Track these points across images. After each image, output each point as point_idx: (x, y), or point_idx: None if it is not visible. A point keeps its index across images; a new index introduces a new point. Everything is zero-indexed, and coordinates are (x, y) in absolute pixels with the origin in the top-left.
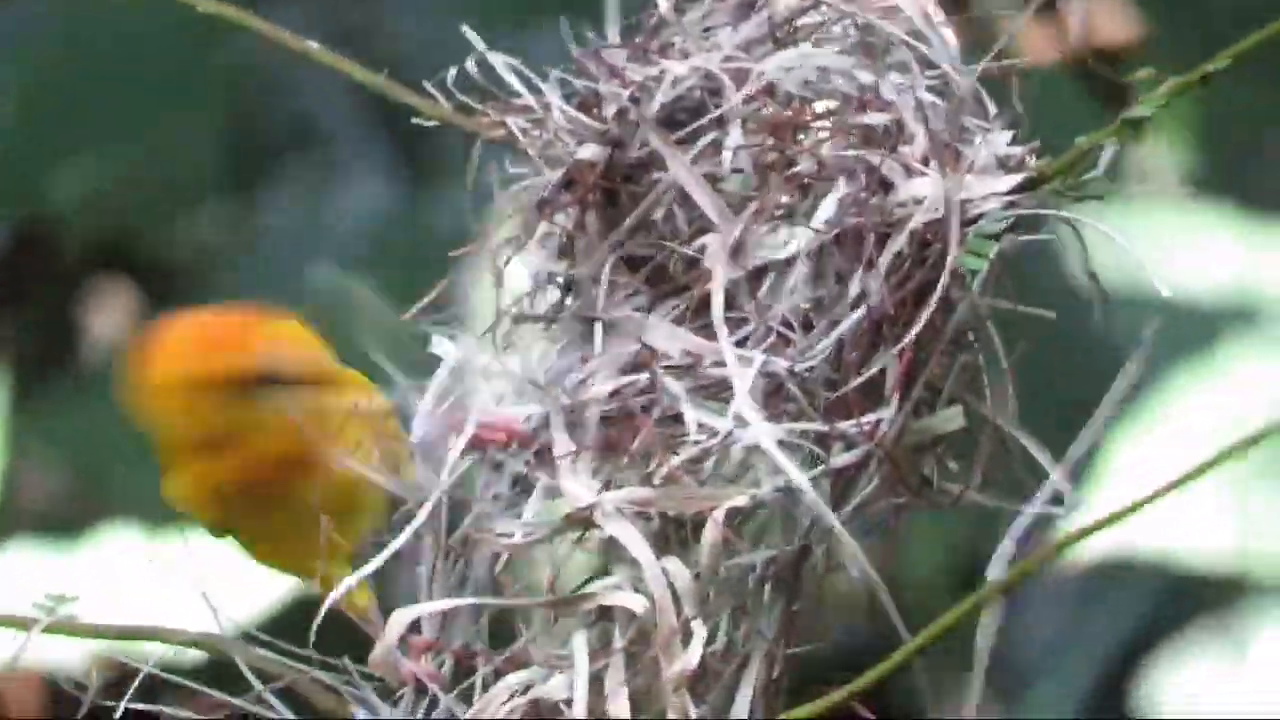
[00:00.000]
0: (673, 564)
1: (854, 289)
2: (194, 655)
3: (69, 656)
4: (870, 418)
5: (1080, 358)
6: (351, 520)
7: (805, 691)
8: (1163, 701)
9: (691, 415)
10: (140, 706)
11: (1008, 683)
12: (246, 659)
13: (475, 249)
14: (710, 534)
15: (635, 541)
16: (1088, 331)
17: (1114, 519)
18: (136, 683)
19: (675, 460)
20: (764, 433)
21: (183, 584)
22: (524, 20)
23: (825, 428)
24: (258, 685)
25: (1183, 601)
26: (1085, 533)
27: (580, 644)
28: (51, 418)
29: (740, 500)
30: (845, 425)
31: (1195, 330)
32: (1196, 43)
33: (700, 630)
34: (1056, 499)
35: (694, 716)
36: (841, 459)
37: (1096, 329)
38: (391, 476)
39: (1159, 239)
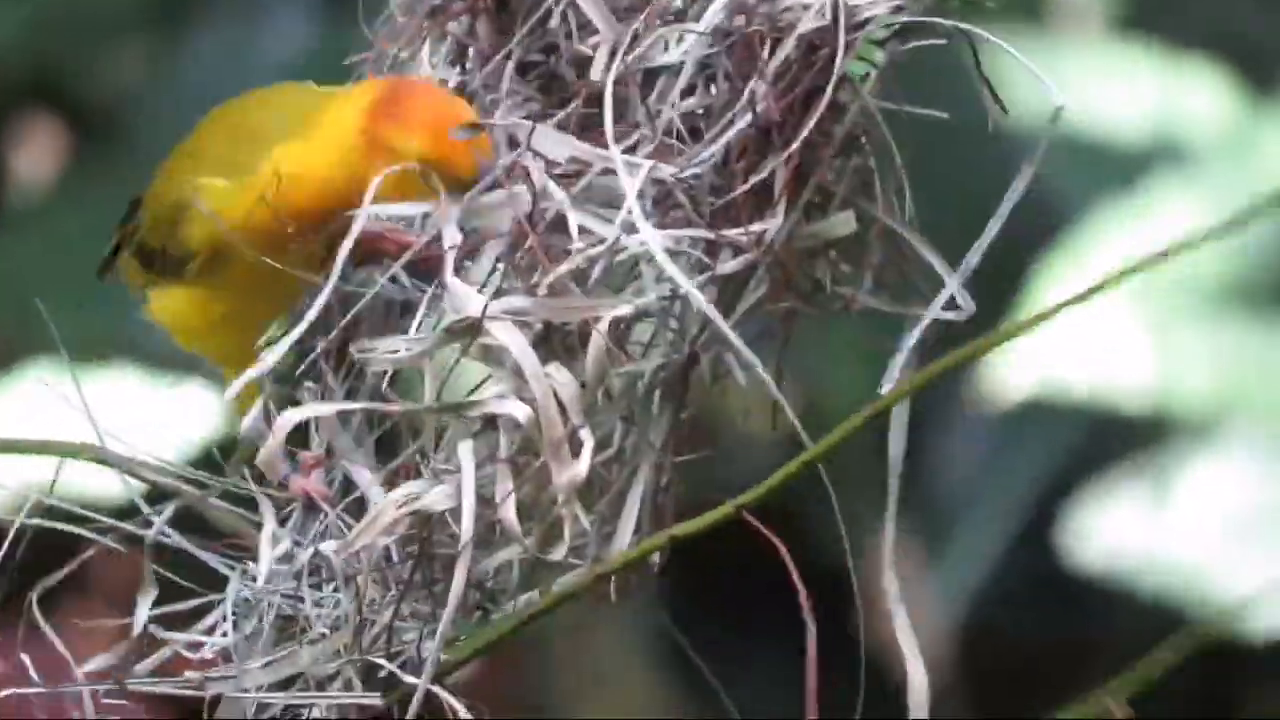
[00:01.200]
0: (558, 371)
1: (742, 95)
2: (111, 492)
3: None
4: (758, 226)
5: (987, 183)
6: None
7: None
8: (1086, 541)
9: (576, 221)
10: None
11: (929, 523)
12: (129, 470)
13: (369, 58)
14: (595, 342)
15: (520, 348)
16: (993, 156)
17: (1017, 330)
18: (28, 506)
19: (560, 269)
20: (651, 239)
21: (102, 422)
22: None
23: (712, 234)
24: (146, 509)
25: (1104, 441)
26: (990, 344)
27: (466, 453)
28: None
29: (624, 309)
30: (733, 232)
31: (1116, 168)
32: None
33: (588, 438)
34: (953, 305)
35: (584, 524)
36: (729, 265)
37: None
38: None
39: (1081, 77)
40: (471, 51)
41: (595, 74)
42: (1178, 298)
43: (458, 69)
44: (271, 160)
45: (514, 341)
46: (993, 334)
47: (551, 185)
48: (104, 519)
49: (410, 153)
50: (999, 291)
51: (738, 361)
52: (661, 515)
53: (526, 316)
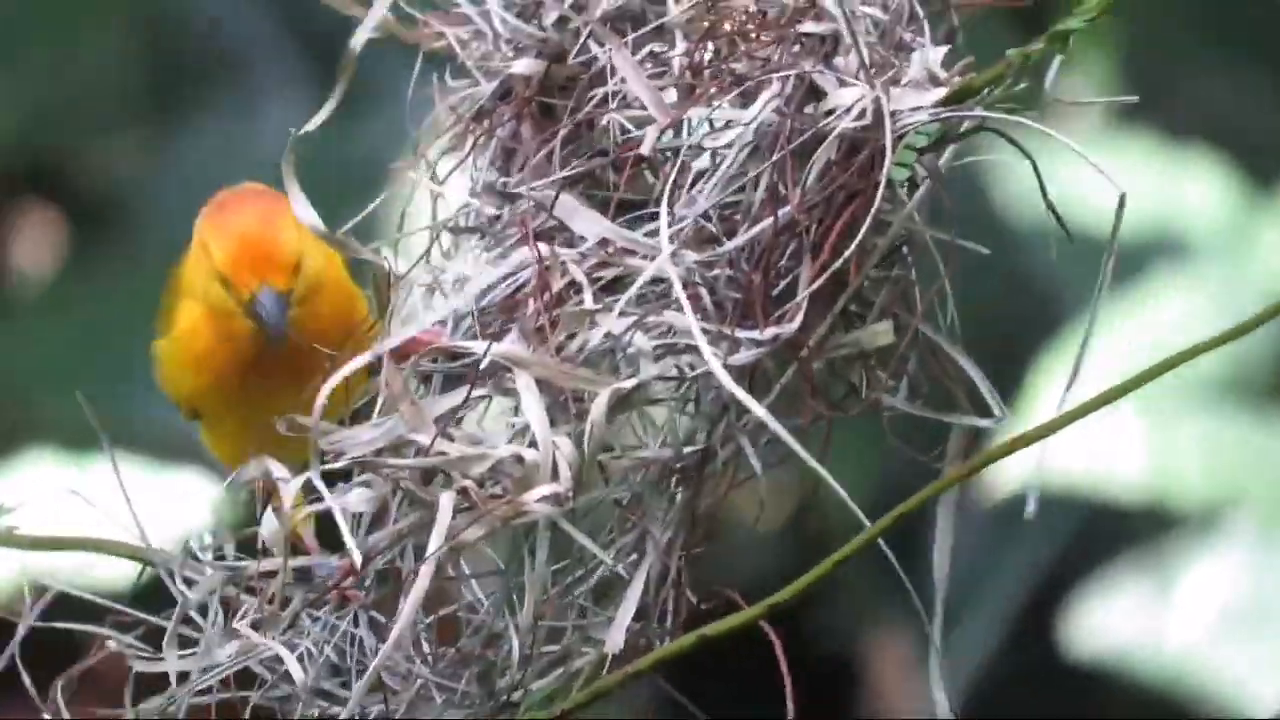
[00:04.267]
0: (560, 436)
1: (775, 192)
2: (123, 583)
3: None
4: (773, 330)
5: (1004, 285)
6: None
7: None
8: (1085, 631)
9: (589, 297)
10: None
11: (929, 613)
12: (186, 568)
13: (412, 163)
14: (594, 411)
15: (530, 395)
16: (1009, 258)
17: (1038, 434)
18: (43, 600)
19: (574, 342)
20: (691, 323)
21: (105, 509)
22: None
23: (728, 331)
24: (187, 595)
25: (1103, 533)
26: (1012, 447)
27: (445, 502)
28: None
29: (626, 384)
30: (748, 332)
31: (1121, 262)
32: None
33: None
34: (985, 412)
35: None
36: (740, 357)
37: (1016, 255)
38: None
39: (1078, 169)
40: (516, 154)
41: (641, 151)
42: (1175, 392)
43: (501, 170)
44: (177, 320)
45: (526, 386)
46: (1015, 439)
47: (570, 263)
48: (128, 610)
49: (215, 261)
50: (998, 383)
51: (754, 455)
52: (678, 608)
53: (522, 366)
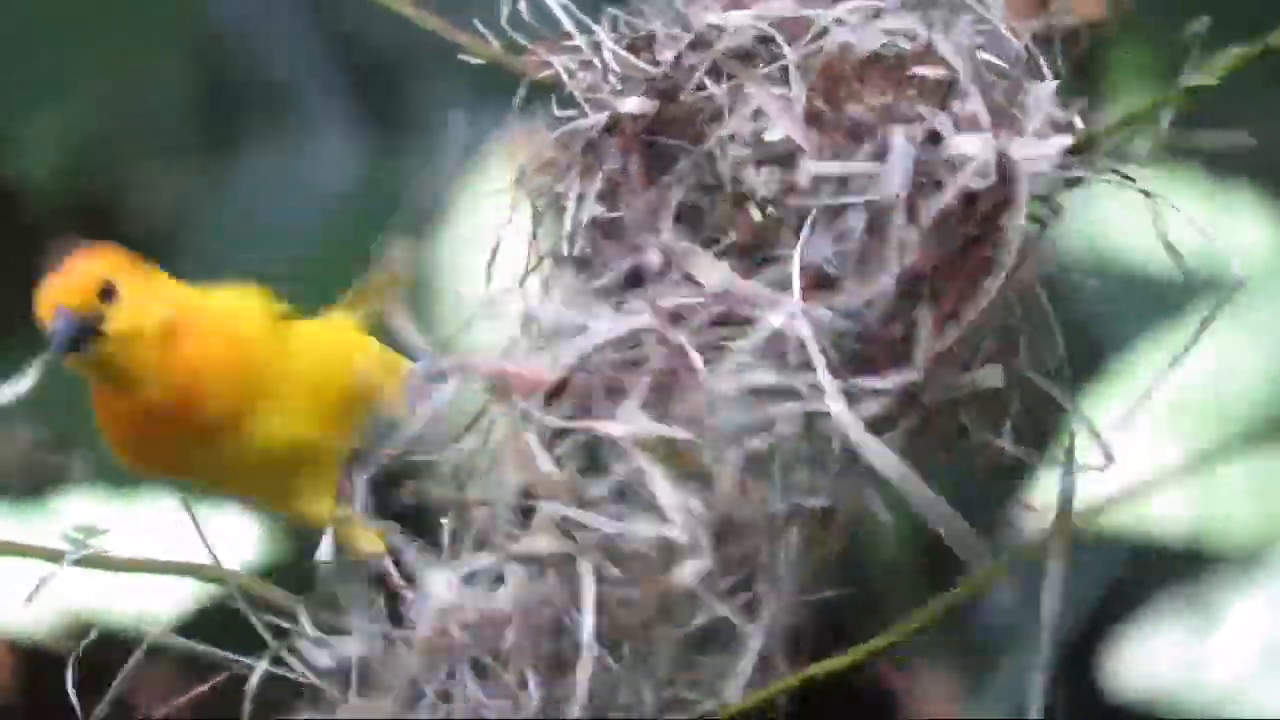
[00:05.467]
0: (689, 498)
1: (897, 241)
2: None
3: (38, 624)
4: (897, 378)
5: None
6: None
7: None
8: (1127, 671)
9: (695, 355)
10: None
11: (971, 654)
12: (269, 599)
13: (510, 190)
14: (724, 480)
15: (655, 476)
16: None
17: (1147, 490)
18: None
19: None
20: (829, 388)
21: (149, 545)
22: None
23: (849, 382)
24: (268, 640)
25: (1145, 572)
26: (1111, 503)
27: (587, 571)
28: (18, 381)
29: (756, 444)
30: (870, 382)
31: (1157, 300)
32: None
33: (704, 558)
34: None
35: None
36: (866, 408)
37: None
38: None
39: (1124, 207)
40: (622, 189)
41: (798, 179)
42: (1217, 428)
43: (606, 206)
44: None
45: (649, 467)
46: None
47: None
48: (209, 648)
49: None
50: (1044, 424)
51: (880, 505)
52: (796, 657)
53: (653, 451)
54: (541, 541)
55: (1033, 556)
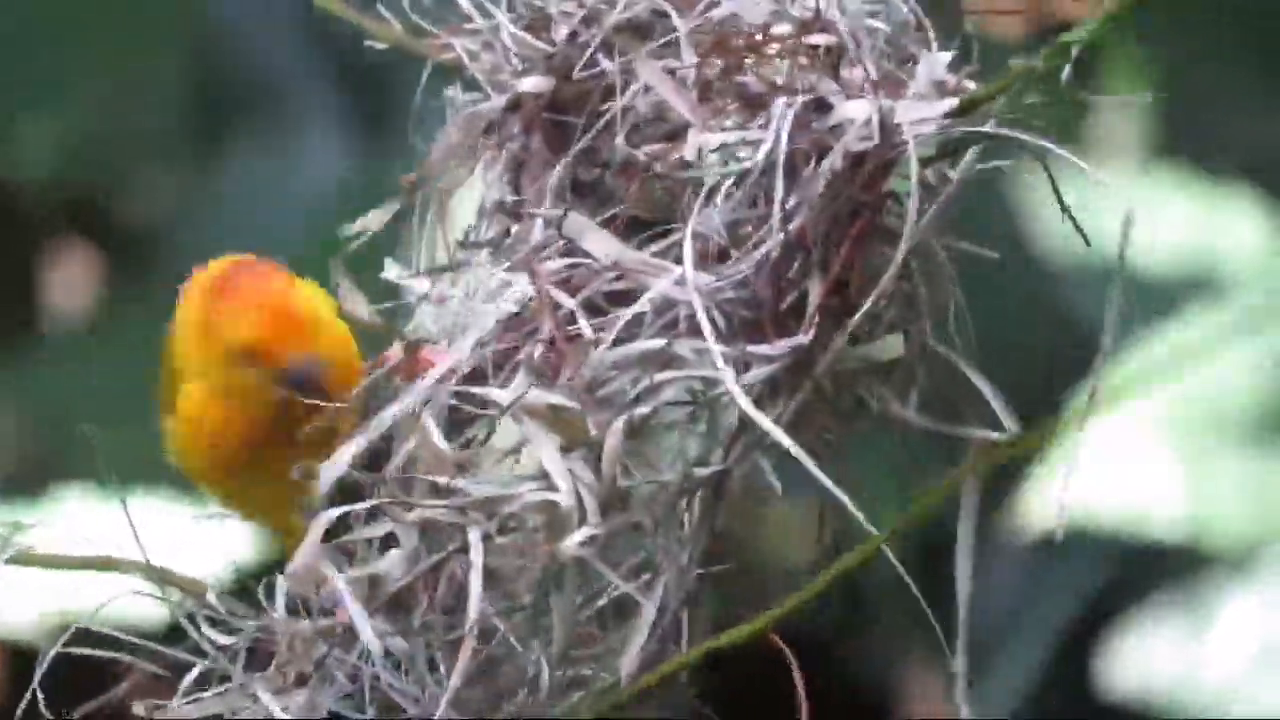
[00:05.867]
0: (578, 465)
1: (783, 208)
2: (151, 619)
3: (21, 619)
4: (787, 343)
5: (1045, 323)
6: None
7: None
8: (1122, 670)
9: (587, 328)
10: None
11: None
12: (205, 601)
13: (421, 175)
14: (608, 444)
15: (543, 444)
16: (1051, 296)
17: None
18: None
19: (582, 373)
20: (714, 348)
21: (141, 545)
22: None
23: (736, 350)
24: (214, 638)
25: (1139, 571)
26: (1015, 450)
27: (475, 539)
28: (13, 379)
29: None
30: (761, 348)
31: (1152, 300)
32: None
33: (595, 524)
34: (997, 425)
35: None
36: (751, 376)
37: (1058, 293)
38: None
39: (1118, 206)
40: (525, 169)
41: (686, 157)
42: (1211, 427)
43: (511, 186)
44: (180, 403)
45: (540, 433)
46: (1017, 441)
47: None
48: (151, 644)
49: (234, 337)
50: (1033, 422)
51: (772, 474)
52: (695, 629)
53: (539, 416)
54: (430, 511)
55: (933, 503)
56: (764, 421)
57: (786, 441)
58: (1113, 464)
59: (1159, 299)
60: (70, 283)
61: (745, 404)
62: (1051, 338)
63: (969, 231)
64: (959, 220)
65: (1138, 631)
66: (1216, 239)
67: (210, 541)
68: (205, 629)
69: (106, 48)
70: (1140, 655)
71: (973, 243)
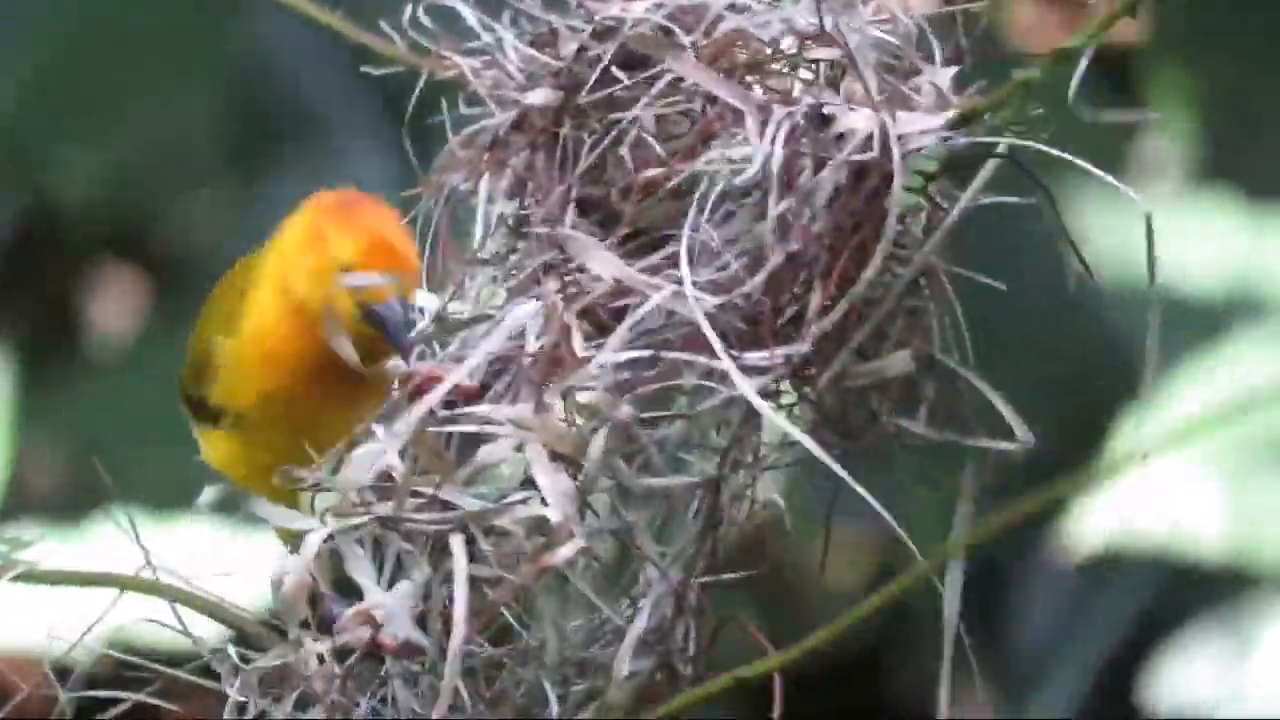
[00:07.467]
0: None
1: (784, 221)
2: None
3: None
4: (784, 350)
5: (1088, 347)
6: None
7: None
8: (1166, 693)
9: (579, 343)
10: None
11: (1009, 680)
12: (210, 612)
13: (425, 191)
14: (592, 449)
15: (538, 457)
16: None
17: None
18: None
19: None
20: (729, 365)
21: (180, 569)
22: None
23: (739, 358)
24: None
25: (1183, 593)
26: (1049, 497)
27: (459, 547)
28: (56, 404)
29: (623, 413)
30: (754, 355)
31: (1197, 322)
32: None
33: (578, 536)
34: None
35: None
36: (748, 383)
37: (1102, 316)
38: None
39: (1161, 229)
40: (530, 185)
41: (704, 167)
42: (1254, 450)
43: (516, 202)
44: (246, 316)
45: (534, 450)
46: (1064, 482)
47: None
48: (181, 673)
49: (342, 253)
50: (1080, 445)
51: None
52: (697, 638)
53: (534, 432)
54: (421, 521)
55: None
56: (765, 408)
57: (789, 428)
58: (1156, 487)
59: (1203, 321)
60: (115, 309)
61: (755, 399)
62: (1098, 360)
63: (1008, 254)
64: (1000, 243)
65: (1181, 654)
66: (1262, 261)
67: (252, 564)
68: (228, 651)
69: (151, 75)
70: (1184, 678)
71: (1013, 262)
